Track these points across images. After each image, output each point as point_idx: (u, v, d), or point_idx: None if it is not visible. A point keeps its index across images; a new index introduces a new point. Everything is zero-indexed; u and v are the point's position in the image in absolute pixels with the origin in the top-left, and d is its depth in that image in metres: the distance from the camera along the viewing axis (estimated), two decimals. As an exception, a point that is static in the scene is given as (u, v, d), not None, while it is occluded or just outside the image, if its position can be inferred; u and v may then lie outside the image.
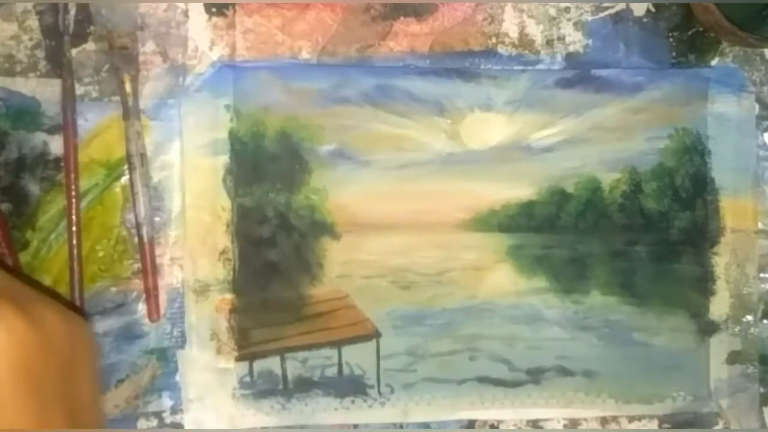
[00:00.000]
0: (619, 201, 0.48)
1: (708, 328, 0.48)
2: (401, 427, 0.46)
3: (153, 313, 0.45)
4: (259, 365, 0.45)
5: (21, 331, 0.32)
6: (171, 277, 0.45)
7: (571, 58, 0.48)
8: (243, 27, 0.46)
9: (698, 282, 0.48)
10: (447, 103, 0.47)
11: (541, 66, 0.47)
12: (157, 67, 0.45)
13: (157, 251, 0.45)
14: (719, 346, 0.48)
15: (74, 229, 0.44)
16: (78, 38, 0.45)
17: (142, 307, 0.45)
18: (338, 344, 0.46)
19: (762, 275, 0.49)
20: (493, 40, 0.47)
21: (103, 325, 0.45)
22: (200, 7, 0.46)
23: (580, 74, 0.47)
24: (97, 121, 0.45)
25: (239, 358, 0.45)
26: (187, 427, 0.45)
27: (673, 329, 0.48)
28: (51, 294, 0.40)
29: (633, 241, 0.48)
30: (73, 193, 0.44)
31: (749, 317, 0.48)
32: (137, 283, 0.45)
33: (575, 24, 0.48)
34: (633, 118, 0.48)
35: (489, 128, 0.47)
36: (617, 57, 0.48)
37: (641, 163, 0.48)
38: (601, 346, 0.47)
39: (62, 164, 0.44)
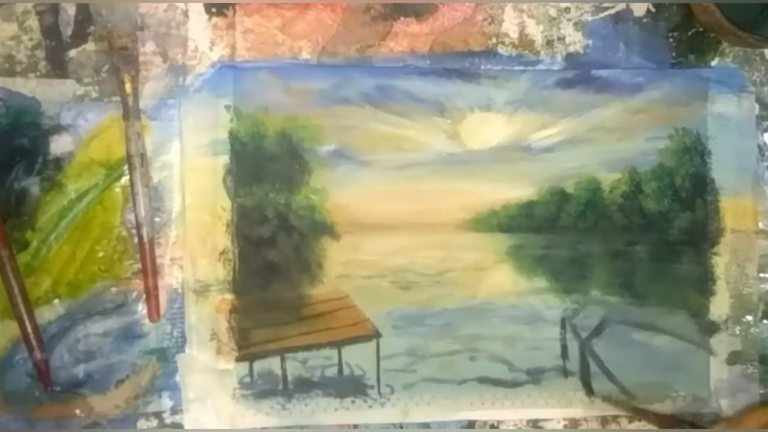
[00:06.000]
0: (619, 201, 0.48)
1: (708, 328, 0.48)
2: (401, 427, 0.46)
3: (153, 313, 0.45)
4: (259, 365, 0.45)
5: None
6: (171, 277, 0.45)
7: (571, 59, 0.48)
8: (243, 27, 0.46)
9: (698, 282, 0.48)
10: (447, 103, 0.47)
11: (541, 66, 0.47)
12: (157, 67, 0.45)
13: (157, 251, 0.45)
14: (719, 346, 0.48)
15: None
16: (78, 38, 0.45)
17: (142, 308, 0.45)
18: (338, 344, 0.46)
19: (762, 275, 0.49)
20: (493, 40, 0.47)
21: (103, 325, 0.45)
22: (200, 7, 0.46)
23: (580, 74, 0.47)
24: (97, 121, 0.45)
25: (239, 359, 0.45)
26: (187, 427, 0.45)
27: (673, 329, 0.48)
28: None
29: (633, 241, 0.48)
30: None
31: (749, 317, 0.48)
32: (137, 284, 0.45)
33: (575, 24, 0.48)
34: (633, 118, 0.48)
35: (489, 128, 0.47)
36: (617, 57, 0.48)
37: (641, 164, 0.48)
38: (601, 346, 0.47)
39: (62, 164, 0.44)
